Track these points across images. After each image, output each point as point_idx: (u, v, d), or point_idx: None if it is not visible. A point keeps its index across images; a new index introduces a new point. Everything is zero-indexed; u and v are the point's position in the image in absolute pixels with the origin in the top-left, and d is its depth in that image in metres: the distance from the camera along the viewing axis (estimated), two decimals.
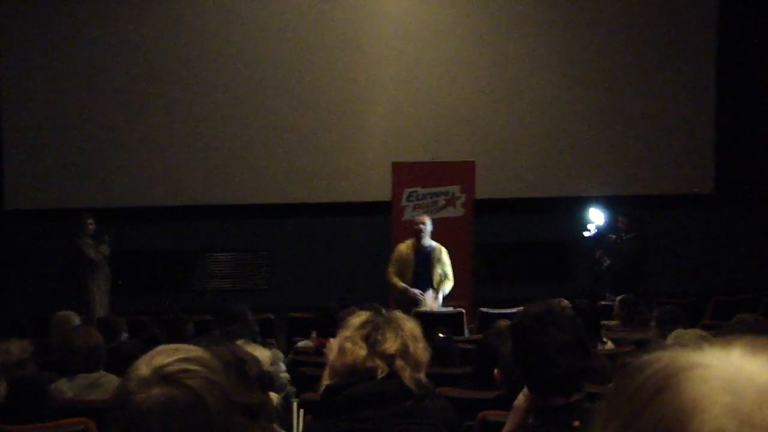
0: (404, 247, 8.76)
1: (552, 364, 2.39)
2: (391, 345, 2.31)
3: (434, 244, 8.71)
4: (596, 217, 10.27)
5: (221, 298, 10.78)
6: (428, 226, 8.69)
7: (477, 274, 10.58)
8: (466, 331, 8.40)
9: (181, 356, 1.48)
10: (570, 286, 10.68)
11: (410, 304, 8.17)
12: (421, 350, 2.36)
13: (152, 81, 11.21)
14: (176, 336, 6.17)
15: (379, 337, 2.31)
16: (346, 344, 2.33)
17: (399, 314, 2.47)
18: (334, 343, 2.40)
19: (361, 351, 2.31)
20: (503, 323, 6.64)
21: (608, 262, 10.01)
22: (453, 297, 9.71)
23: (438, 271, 8.66)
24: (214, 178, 11.43)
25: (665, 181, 11.96)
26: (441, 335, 5.55)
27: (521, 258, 11.93)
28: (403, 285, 8.56)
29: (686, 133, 11.87)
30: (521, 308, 2.79)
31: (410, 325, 2.41)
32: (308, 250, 11.45)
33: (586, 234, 10.16)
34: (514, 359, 2.57)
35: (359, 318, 2.40)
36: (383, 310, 2.65)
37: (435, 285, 8.67)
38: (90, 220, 9.61)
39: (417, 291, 8.51)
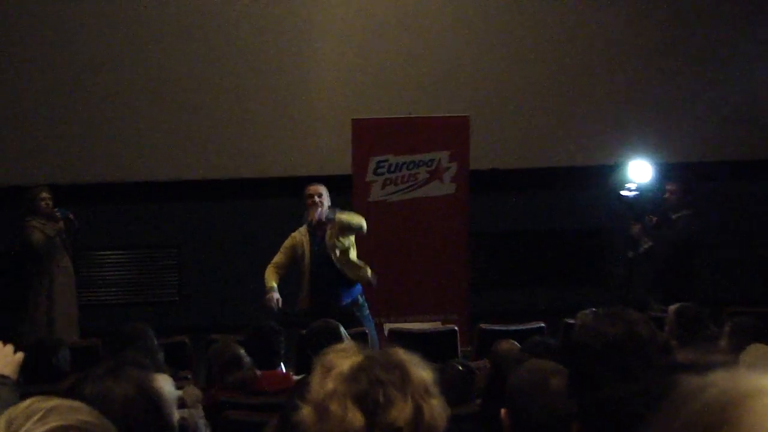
0: (295, 233, 8.92)
1: (628, 405, 2.36)
2: (399, 412, 2.05)
3: (332, 215, 8.71)
4: (640, 174, 10.09)
5: (112, 315, 10.78)
6: (325, 198, 8.79)
7: (474, 276, 10.58)
8: (459, 356, 8.38)
9: (55, 425, 1.42)
10: (606, 293, 10.71)
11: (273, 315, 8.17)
12: (438, 413, 2.13)
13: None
14: (45, 370, 6.09)
15: (382, 399, 2.04)
16: (330, 405, 2.08)
17: (401, 354, 2.21)
18: (310, 399, 2.14)
19: (355, 420, 2.04)
20: (507, 345, 6.67)
21: (649, 244, 9.92)
22: (442, 308, 9.66)
23: (346, 247, 8.74)
24: (98, 150, 11.56)
25: (732, 144, 12.18)
26: (459, 367, 5.56)
27: (534, 252, 12.02)
28: (271, 284, 8.63)
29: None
30: (548, 324, 2.86)
31: (420, 374, 2.15)
32: (234, 246, 11.44)
33: (623, 194, 10.02)
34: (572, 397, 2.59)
35: (347, 360, 2.14)
36: (370, 343, 2.41)
37: (342, 278, 8.75)
38: (43, 194, 9.79)
39: (275, 296, 8.52)
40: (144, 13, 11.64)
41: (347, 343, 2.31)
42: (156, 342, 6.24)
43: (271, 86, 11.84)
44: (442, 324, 8.88)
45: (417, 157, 10.39)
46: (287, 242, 8.91)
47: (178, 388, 6.11)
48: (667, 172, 10.43)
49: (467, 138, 10.51)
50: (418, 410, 2.04)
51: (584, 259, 12.08)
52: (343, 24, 11.88)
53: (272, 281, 8.68)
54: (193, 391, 5.86)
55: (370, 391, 2.04)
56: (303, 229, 8.85)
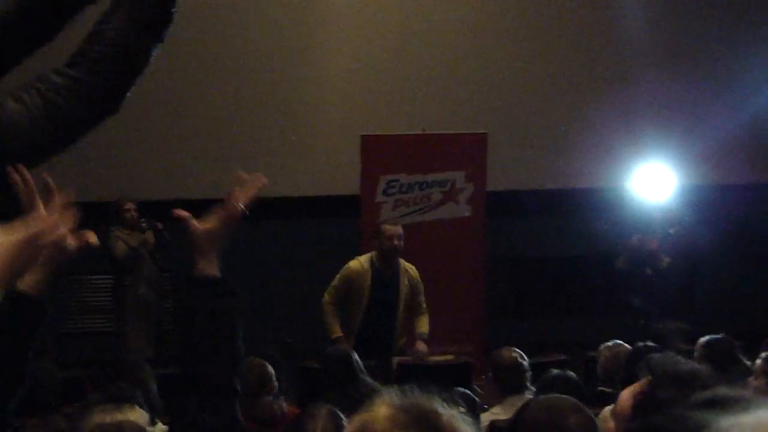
0: (358, 265, 8.59)
1: None
2: None
3: (403, 264, 8.63)
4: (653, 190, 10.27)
5: (101, 343, 10.73)
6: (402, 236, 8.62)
7: (491, 304, 10.54)
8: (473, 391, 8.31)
9: None
10: (633, 323, 10.66)
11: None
12: None
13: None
14: (28, 401, 6.02)
15: None
16: None
17: (439, 412, 2.12)
18: None
19: None
20: (508, 353, 6.61)
21: (667, 260, 9.94)
22: (456, 339, 9.58)
23: (406, 305, 8.56)
24: (87, 167, 11.50)
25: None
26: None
27: (556, 279, 11.97)
28: (339, 334, 8.33)
29: None
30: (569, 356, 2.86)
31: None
32: (237, 269, 11.27)
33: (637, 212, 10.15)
34: None
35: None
36: (416, 398, 2.28)
37: (398, 326, 8.55)
38: (128, 205, 10.16)
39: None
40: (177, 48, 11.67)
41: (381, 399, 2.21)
42: (150, 372, 6.22)
43: (276, 101, 11.85)
44: (456, 356, 8.78)
45: (430, 177, 10.35)
46: (345, 272, 8.58)
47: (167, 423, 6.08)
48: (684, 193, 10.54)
49: (484, 157, 10.48)
50: None
51: (609, 286, 12.01)
52: (354, 35, 11.89)
53: (338, 328, 8.38)
54: None
55: None
56: (365, 260, 8.62)
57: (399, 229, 8.61)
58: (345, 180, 11.01)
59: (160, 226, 10.05)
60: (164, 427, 5.93)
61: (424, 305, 8.67)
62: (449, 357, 8.72)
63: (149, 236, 10.12)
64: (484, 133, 10.60)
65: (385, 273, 8.56)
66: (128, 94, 2.90)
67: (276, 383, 6.21)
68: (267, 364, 6.25)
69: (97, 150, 11.49)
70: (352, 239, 10.23)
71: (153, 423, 5.68)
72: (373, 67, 11.90)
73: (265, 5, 11.84)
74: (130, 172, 11.68)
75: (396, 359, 8.16)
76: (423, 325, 8.55)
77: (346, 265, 8.68)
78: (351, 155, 10.81)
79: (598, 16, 12.11)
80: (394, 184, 10.33)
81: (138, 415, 4.94)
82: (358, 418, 2.08)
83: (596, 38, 12.14)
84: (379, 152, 10.43)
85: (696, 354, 7.70)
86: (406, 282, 8.60)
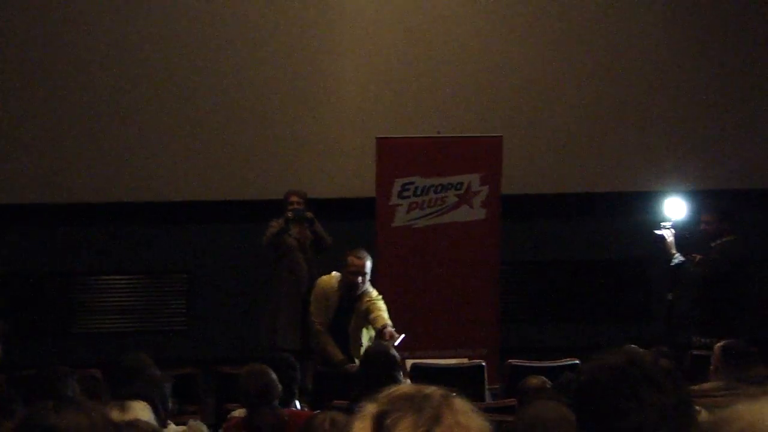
0: (327, 281, 8.88)
1: None
2: None
3: (370, 290, 8.75)
4: (675, 211, 10.21)
5: (116, 344, 10.78)
6: (368, 273, 8.73)
7: (505, 309, 10.56)
8: (487, 394, 8.37)
9: None
10: (647, 328, 10.68)
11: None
12: None
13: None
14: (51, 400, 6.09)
15: (390, 421, 2.14)
16: (355, 422, 2.21)
17: (458, 402, 2.27)
18: None
19: None
20: (536, 381, 6.65)
21: (680, 258, 9.92)
22: (470, 342, 9.62)
23: (366, 332, 8.69)
24: (102, 169, 11.65)
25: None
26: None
27: (571, 284, 11.99)
28: (341, 357, 8.60)
29: None
30: (583, 361, 2.93)
31: (457, 420, 2.20)
32: (247, 273, 11.42)
33: (657, 233, 10.10)
34: None
35: (393, 390, 2.24)
36: (445, 390, 2.45)
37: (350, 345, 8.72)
38: (292, 198, 10.27)
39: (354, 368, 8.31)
40: (160, 32, 11.71)
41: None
42: (160, 373, 6.24)
43: (290, 102, 11.86)
44: (470, 359, 8.82)
45: (445, 180, 10.34)
46: (318, 292, 8.89)
47: (182, 423, 6.15)
48: (704, 202, 10.45)
49: (500, 160, 10.46)
50: None
51: (624, 291, 12.02)
52: (370, 38, 11.90)
53: (338, 352, 8.62)
54: (198, 427, 5.86)
55: (387, 413, 2.12)
56: (335, 281, 8.81)
57: (363, 264, 8.67)
58: (360, 182, 11.05)
59: (309, 215, 10.15)
60: (176, 427, 6.01)
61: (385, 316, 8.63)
62: (463, 360, 8.76)
63: (301, 229, 10.20)
64: (500, 136, 10.58)
65: (347, 297, 8.72)
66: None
67: (280, 389, 6.26)
68: (269, 370, 6.30)
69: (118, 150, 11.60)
70: (366, 243, 10.26)
71: (165, 424, 5.75)
72: (388, 69, 11.92)
73: (280, 7, 11.86)
74: (147, 171, 11.74)
75: (409, 361, 8.22)
76: (381, 319, 8.54)
77: (317, 281, 9.02)
78: (366, 157, 10.86)
79: (612, 19, 12.11)
80: (408, 186, 10.32)
81: (142, 407, 5.02)
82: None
83: (611, 41, 12.12)
84: (394, 155, 10.42)
85: (712, 357, 7.77)
86: (361, 307, 8.67)
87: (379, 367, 6.56)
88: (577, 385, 2.63)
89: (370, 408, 2.22)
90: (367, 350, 7.08)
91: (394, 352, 6.77)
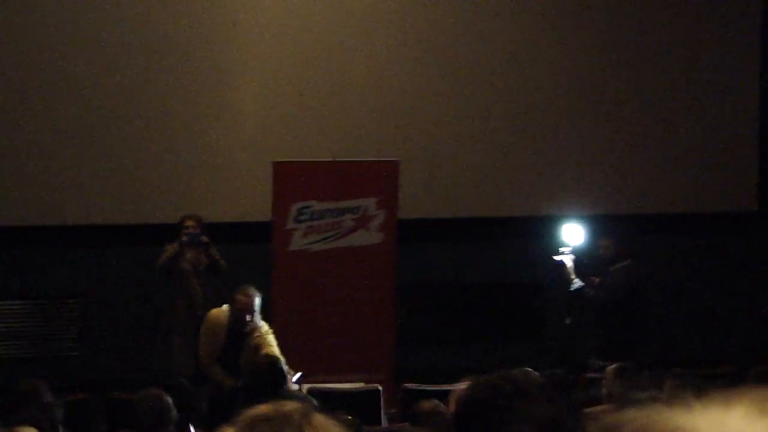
0: (216, 315, 8.99)
1: None
2: None
3: (260, 324, 8.82)
4: (573, 236, 10.37)
5: (4, 369, 10.62)
6: (256, 311, 8.79)
7: (402, 332, 10.60)
8: (383, 418, 8.39)
9: None
10: (544, 351, 10.77)
11: None
12: None
13: None
14: None
15: None
16: None
17: (316, 417, 2.28)
18: None
19: None
20: (430, 406, 6.69)
21: (579, 284, 10.03)
22: (366, 367, 9.64)
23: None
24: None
25: (682, 196, 12.56)
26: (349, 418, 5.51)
27: (467, 307, 12.05)
28: (230, 381, 8.66)
29: (718, 136, 12.58)
30: (468, 382, 3.04)
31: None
32: (141, 297, 11.32)
33: (556, 258, 10.24)
34: None
35: (252, 411, 2.25)
36: (304, 407, 2.46)
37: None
38: (187, 222, 10.15)
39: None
40: (58, 57, 11.56)
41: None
42: (51, 399, 6.17)
43: (186, 126, 11.75)
44: (366, 384, 8.84)
45: (342, 204, 10.37)
46: (207, 326, 8.97)
47: None
48: (603, 227, 10.62)
49: (396, 185, 10.54)
50: None
51: (520, 314, 12.13)
52: (266, 61, 11.87)
53: (227, 377, 8.67)
54: None
55: None
56: (224, 316, 8.85)
57: (249, 301, 8.74)
58: (256, 206, 11.01)
59: (204, 239, 10.09)
60: None
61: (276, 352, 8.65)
62: (359, 384, 8.77)
63: (197, 253, 10.14)
64: (396, 161, 10.67)
65: (237, 331, 8.77)
66: None
67: (175, 413, 6.21)
68: (164, 394, 6.25)
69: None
70: (262, 269, 10.25)
71: None
72: (285, 93, 11.89)
73: (177, 29, 11.80)
74: (37, 195, 11.58)
75: (306, 386, 8.22)
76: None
77: (207, 314, 9.11)
78: (262, 181, 10.83)
79: (509, 41, 12.24)
80: (305, 210, 10.33)
81: None
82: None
83: (508, 65, 12.25)
84: (291, 179, 10.44)
85: (605, 381, 7.88)
86: (251, 342, 8.69)
87: (265, 378, 6.58)
88: (458, 404, 2.73)
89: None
90: (253, 360, 7.08)
91: (281, 364, 6.80)
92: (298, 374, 8.17)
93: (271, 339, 8.64)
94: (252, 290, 8.80)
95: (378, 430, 7.70)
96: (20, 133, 11.52)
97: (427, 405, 6.70)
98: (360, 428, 6.01)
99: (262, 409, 2.27)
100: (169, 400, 6.13)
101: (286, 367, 8.21)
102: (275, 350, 8.49)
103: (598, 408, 7.36)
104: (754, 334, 11.87)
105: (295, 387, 8.26)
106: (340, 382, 8.97)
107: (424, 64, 12.12)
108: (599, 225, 10.76)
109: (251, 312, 8.64)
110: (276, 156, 10.82)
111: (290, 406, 2.30)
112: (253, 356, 8.55)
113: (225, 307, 8.87)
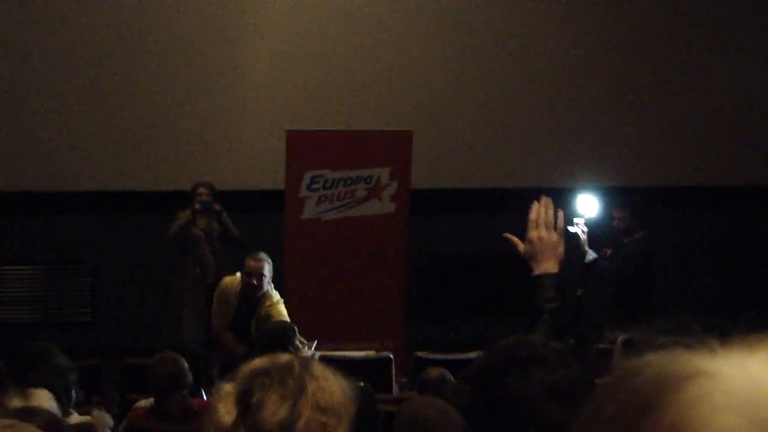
0: (229, 283, 8.98)
1: (537, 416, 2.50)
2: (270, 416, 2.18)
3: (272, 292, 8.83)
4: (587, 208, 10.31)
5: (18, 335, 10.62)
6: (267, 275, 8.77)
7: (414, 302, 10.62)
8: (395, 387, 8.42)
9: None
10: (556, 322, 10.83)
11: None
12: (317, 429, 2.22)
13: None
14: None
15: (256, 400, 2.19)
16: (217, 405, 2.24)
17: (316, 369, 2.33)
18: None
19: (227, 417, 2.21)
20: (436, 373, 6.72)
21: (593, 256, 10.00)
22: (377, 336, 9.67)
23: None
24: (5, 158, 11.51)
25: (697, 169, 12.64)
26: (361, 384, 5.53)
27: (479, 278, 12.07)
28: (242, 348, 8.60)
29: (734, 110, 12.59)
30: (480, 352, 3.11)
31: (321, 387, 2.26)
32: (152, 263, 11.35)
33: (571, 230, 10.18)
34: (474, 418, 2.71)
35: (249, 366, 2.30)
36: (300, 358, 2.53)
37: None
38: (199, 190, 10.19)
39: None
40: (61, 19, 11.55)
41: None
42: (66, 363, 6.22)
43: (197, 92, 11.78)
44: (377, 352, 8.87)
45: (355, 173, 10.37)
46: (219, 293, 8.98)
47: (86, 413, 6.11)
48: (615, 199, 10.62)
49: (410, 155, 10.52)
50: (294, 418, 2.14)
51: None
52: (279, 29, 11.87)
53: (239, 344, 8.66)
54: (102, 417, 5.83)
55: (251, 391, 2.15)
56: (237, 282, 8.86)
57: (260, 266, 8.71)
58: (270, 174, 11.04)
59: (217, 207, 10.14)
60: (80, 417, 5.97)
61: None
62: (370, 352, 8.80)
63: (209, 220, 10.19)
64: (410, 131, 10.64)
65: (249, 299, 8.79)
66: None
67: (190, 377, 6.24)
68: (180, 357, 6.28)
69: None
70: (275, 237, 10.28)
71: (68, 413, 5.71)
72: (297, 62, 11.90)
73: None
74: (51, 161, 11.62)
75: (317, 353, 8.24)
76: None
77: (221, 281, 9.14)
78: (275, 150, 10.85)
79: (523, 15, 12.24)
80: (318, 179, 10.32)
81: (45, 395, 5.01)
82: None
83: (522, 38, 12.25)
84: (304, 147, 10.44)
85: (615, 352, 7.90)
86: (261, 311, 8.70)
87: (275, 343, 6.61)
88: (472, 370, 2.73)
89: (228, 388, 2.25)
90: (264, 327, 7.10)
91: (291, 331, 6.83)
92: (314, 343, 8.19)
93: (282, 308, 8.67)
94: (263, 255, 8.80)
95: (388, 397, 7.72)
96: (29, 101, 11.55)
97: (434, 372, 6.74)
98: (373, 394, 6.04)
99: (259, 362, 2.31)
100: (185, 363, 6.17)
101: (300, 338, 8.24)
102: (286, 320, 8.52)
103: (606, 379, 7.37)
104: (765, 308, 11.89)
105: (310, 355, 8.28)
106: (353, 350, 8.98)
107: (438, 35, 12.12)
108: (614, 197, 10.74)
109: (259, 276, 8.66)
110: (289, 124, 10.82)
111: (285, 357, 2.35)
112: (263, 324, 8.59)
113: (238, 274, 8.88)
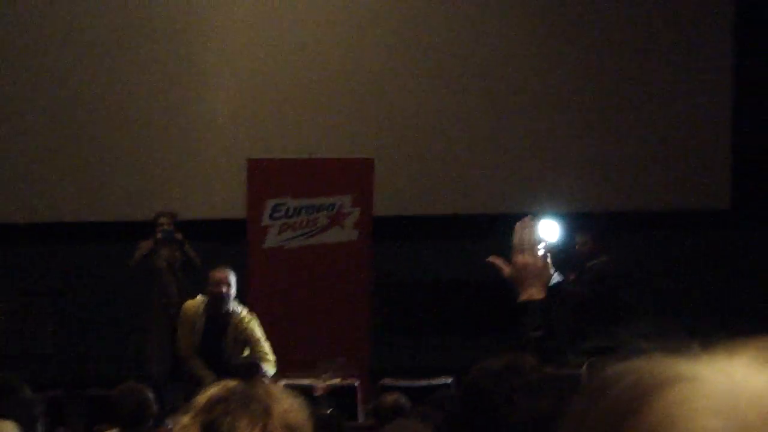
0: (192, 306, 8.86)
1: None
2: None
3: (239, 309, 8.76)
4: (549, 232, 10.35)
5: None
6: (232, 286, 8.72)
7: (379, 329, 10.60)
8: (360, 414, 8.40)
9: None
10: (516, 346, 10.82)
11: None
12: None
13: None
14: None
15: (226, 427, 2.21)
16: None
17: (274, 390, 2.36)
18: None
19: None
20: (390, 399, 6.72)
21: (557, 279, 10.01)
22: (342, 364, 9.65)
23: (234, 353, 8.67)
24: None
25: (657, 194, 12.65)
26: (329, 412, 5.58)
27: (444, 303, 12.05)
28: (211, 377, 8.25)
29: (692, 135, 12.65)
30: (457, 378, 3.09)
31: (285, 408, 2.29)
32: (119, 294, 11.29)
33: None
34: None
35: (204, 396, 2.31)
36: (257, 382, 2.54)
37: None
38: (160, 220, 10.15)
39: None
40: (26, 51, 11.55)
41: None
42: (30, 394, 6.14)
43: (158, 122, 11.75)
44: (342, 380, 8.85)
45: (317, 201, 10.35)
46: (184, 318, 8.87)
47: None
48: (579, 224, 10.67)
49: (371, 182, 10.54)
50: None
51: (495, 310, 12.13)
52: (241, 59, 11.88)
53: (208, 373, 8.42)
54: None
55: (217, 418, 2.17)
56: (200, 304, 8.78)
57: (225, 275, 8.66)
58: (231, 203, 11.02)
59: (179, 236, 10.13)
60: None
61: (267, 353, 8.60)
62: (335, 380, 8.77)
63: (171, 251, 10.17)
64: (371, 158, 10.67)
65: (216, 319, 8.69)
66: None
67: (155, 408, 6.19)
68: (145, 388, 6.23)
69: None
70: (238, 265, 10.23)
71: None
72: (259, 90, 11.91)
73: (150, 24, 11.78)
74: (14, 192, 11.55)
75: (282, 382, 8.22)
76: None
77: (183, 306, 9.00)
78: (237, 178, 10.83)
79: (485, 38, 12.26)
80: (280, 207, 10.30)
81: (10, 428, 4.97)
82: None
83: (485, 62, 12.26)
84: (266, 176, 10.45)
85: (581, 376, 7.92)
86: (234, 332, 8.64)
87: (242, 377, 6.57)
88: (460, 388, 2.72)
89: (187, 420, 2.26)
90: (233, 361, 7.07)
91: (259, 370, 6.79)
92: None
93: (255, 327, 8.61)
94: (226, 267, 8.77)
95: (354, 425, 7.73)
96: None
97: (389, 398, 6.76)
98: (342, 422, 6.05)
99: (213, 391, 2.31)
100: (150, 394, 6.13)
101: (273, 370, 8.19)
102: (262, 347, 8.50)
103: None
104: (728, 329, 11.95)
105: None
106: (317, 378, 8.96)
107: (398, 62, 12.14)
108: (575, 222, 10.80)
109: (226, 284, 8.59)
110: (250, 153, 10.82)
111: (239, 384, 2.35)
112: (233, 350, 8.53)
113: (199, 297, 8.82)
